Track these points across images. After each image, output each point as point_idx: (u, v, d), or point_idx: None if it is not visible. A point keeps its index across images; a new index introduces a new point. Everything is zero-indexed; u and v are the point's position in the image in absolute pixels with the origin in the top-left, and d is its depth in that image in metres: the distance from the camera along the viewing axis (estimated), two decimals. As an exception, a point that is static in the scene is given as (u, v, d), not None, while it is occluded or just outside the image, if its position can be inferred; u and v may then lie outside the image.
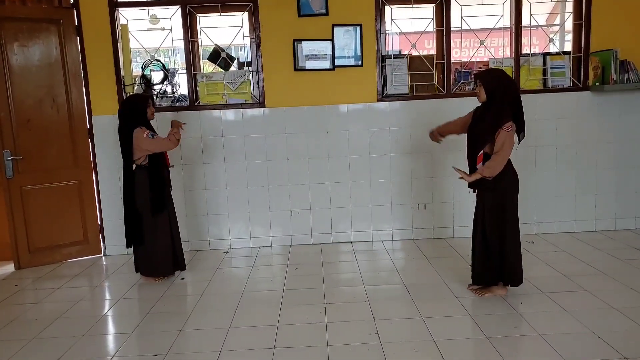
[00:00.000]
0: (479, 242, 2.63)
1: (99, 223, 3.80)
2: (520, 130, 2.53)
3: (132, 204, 2.97)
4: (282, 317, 2.56)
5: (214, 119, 3.72)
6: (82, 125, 3.69)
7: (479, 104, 2.60)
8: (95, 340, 2.42)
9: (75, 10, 3.57)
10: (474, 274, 2.72)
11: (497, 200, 2.52)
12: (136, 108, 2.92)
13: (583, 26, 3.67)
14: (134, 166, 2.95)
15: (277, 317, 2.56)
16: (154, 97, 3.04)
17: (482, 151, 2.49)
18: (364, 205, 3.81)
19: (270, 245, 3.83)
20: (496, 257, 2.57)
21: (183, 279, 3.22)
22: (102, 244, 3.81)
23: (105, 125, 3.68)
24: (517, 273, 2.60)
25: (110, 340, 2.45)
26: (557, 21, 4.39)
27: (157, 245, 3.03)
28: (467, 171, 2.58)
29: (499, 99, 2.44)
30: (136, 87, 3.78)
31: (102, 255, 3.81)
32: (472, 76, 2.63)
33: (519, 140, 2.58)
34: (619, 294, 2.65)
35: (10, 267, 3.58)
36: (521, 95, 3.73)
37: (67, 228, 3.68)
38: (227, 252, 3.75)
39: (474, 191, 2.66)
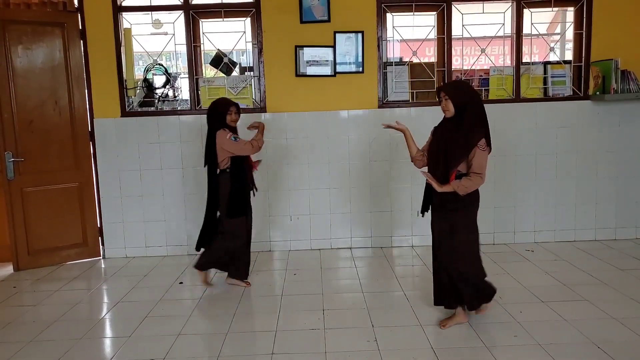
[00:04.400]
0: (445, 265, 2.42)
1: (99, 226, 3.80)
2: (487, 145, 2.34)
3: (214, 208, 2.93)
4: (280, 323, 2.55)
5: (215, 123, 3.72)
6: (84, 128, 3.70)
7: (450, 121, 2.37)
8: (93, 344, 2.41)
9: (79, 14, 3.60)
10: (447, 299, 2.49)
11: (466, 218, 2.34)
12: (217, 112, 2.89)
13: (584, 35, 3.69)
14: (217, 170, 2.91)
15: (275, 323, 2.55)
16: (238, 105, 2.95)
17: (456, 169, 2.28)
18: (364, 212, 3.80)
19: (269, 250, 3.83)
20: (462, 278, 2.38)
21: (181, 283, 3.21)
22: (101, 246, 3.81)
23: (106, 128, 3.69)
24: (475, 295, 2.42)
25: (108, 343, 2.44)
26: (558, 30, 4.42)
27: (234, 248, 2.96)
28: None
29: (469, 113, 2.25)
30: (138, 91, 3.81)
31: (101, 258, 3.80)
32: (436, 89, 2.40)
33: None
34: (618, 304, 2.64)
35: (9, 269, 3.58)
36: (523, 104, 3.77)
37: (67, 230, 3.68)
38: (226, 257, 3.74)
39: (423, 215, 2.49)
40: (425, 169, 2.47)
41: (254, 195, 3.06)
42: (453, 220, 2.35)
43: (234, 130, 2.94)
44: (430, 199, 2.44)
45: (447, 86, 2.38)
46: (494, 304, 2.63)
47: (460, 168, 2.29)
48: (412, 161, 2.57)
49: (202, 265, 3.03)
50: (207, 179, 2.94)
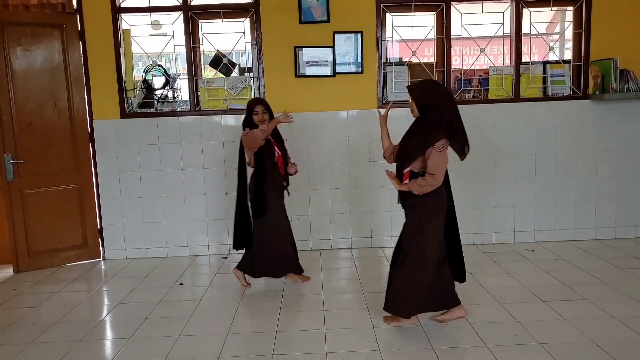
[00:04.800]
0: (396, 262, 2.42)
1: (99, 227, 3.80)
2: (464, 144, 2.29)
3: (240, 206, 2.95)
4: (280, 324, 2.55)
5: (215, 124, 3.73)
6: (83, 129, 3.70)
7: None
8: (93, 345, 2.41)
9: (78, 16, 3.60)
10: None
11: (419, 220, 2.34)
12: (246, 112, 2.94)
13: (583, 35, 3.69)
14: (245, 170, 2.94)
15: (275, 324, 2.55)
16: (266, 104, 2.97)
17: (409, 168, 2.30)
18: (364, 212, 3.80)
19: (270, 251, 3.82)
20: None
21: (182, 284, 3.22)
22: (101, 248, 3.81)
23: (106, 130, 3.69)
24: (402, 301, 2.36)
25: (108, 345, 2.44)
26: (557, 30, 4.42)
27: (260, 247, 2.96)
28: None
29: (432, 113, 2.23)
30: (137, 92, 3.81)
31: (101, 259, 3.80)
32: (406, 87, 2.39)
33: (464, 155, 2.33)
34: (619, 303, 2.64)
35: (9, 271, 3.58)
36: (523, 104, 3.75)
37: (67, 232, 3.68)
38: (227, 258, 3.75)
39: (403, 207, 2.46)
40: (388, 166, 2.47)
41: (288, 194, 3.04)
42: (407, 218, 2.41)
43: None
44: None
45: (411, 87, 2.35)
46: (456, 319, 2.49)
47: (415, 168, 2.29)
48: (383, 157, 2.57)
49: (244, 268, 3.05)
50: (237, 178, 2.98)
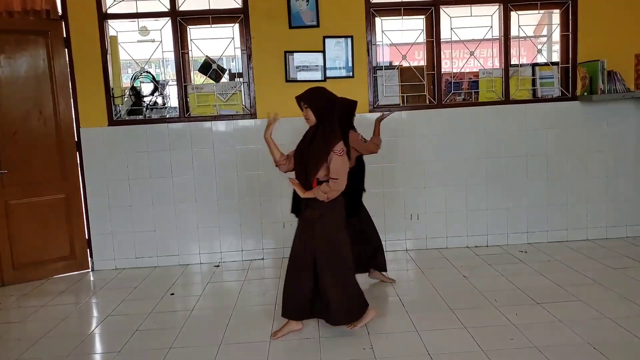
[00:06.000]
0: (306, 275, 2.36)
1: (87, 237, 3.71)
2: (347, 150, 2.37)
3: None
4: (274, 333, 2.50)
5: (205, 130, 3.68)
6: (70, 138, 3.62)
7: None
8: (81, 360, 2.34)
9: (63, 22, 3.54)
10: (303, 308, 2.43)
11: (327, 231, 2.34)
12: (351, 111, 2.93)
13: (570, 37, 3.73)
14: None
15: (269, 333, 2.50)
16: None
17: (316, 177, 2.30)
18: (357, 216, 3.78)
19: (262, 259, 3.78)
20: (330, 291, 2.34)
21: (173, 294, 3.15)
22: (89, 259, 3.72)
23: (93, 138, 3.62)
24: (342, 309, 2.37)
25: None
26: (545, 32, 4.47)
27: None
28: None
29: (329, 118, 2.30)
30: (126, 99, 3.75)
31: (90, 270, 3.72)
32: (295, 98, 2.39)
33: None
34: (613, 304, 2.65)
35: (-7, 284, 3.48)
36: (513, 105, 3.76)
37: (54, 243, 3.59)
38: (218, 266, 3.69)
39: (296, 216, 2.44)
40: (291, 174, 2.47)
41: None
42: (319, 229, 2.33)
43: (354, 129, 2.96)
44: (298, 204, 2.44)
45: (305, 95, 2.36)
46: (377, 321, 2.51)
47: (322, 176, 2.30)
48: (276, 165, 2.55)
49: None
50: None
